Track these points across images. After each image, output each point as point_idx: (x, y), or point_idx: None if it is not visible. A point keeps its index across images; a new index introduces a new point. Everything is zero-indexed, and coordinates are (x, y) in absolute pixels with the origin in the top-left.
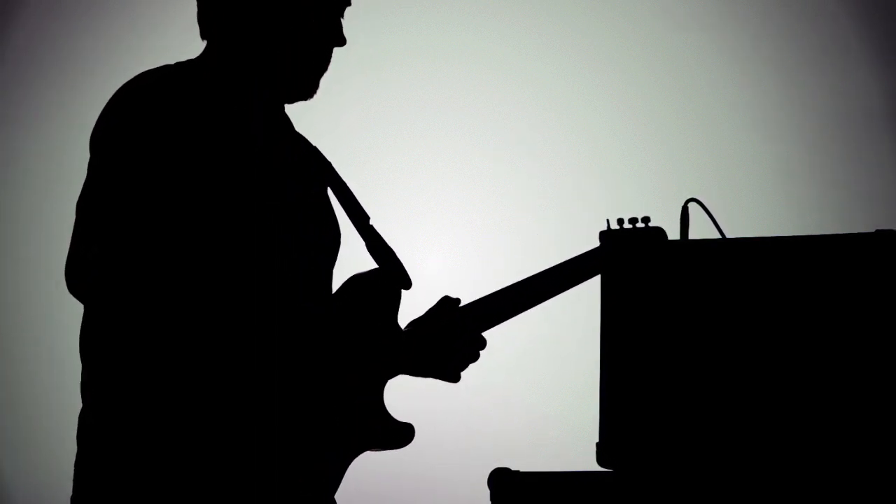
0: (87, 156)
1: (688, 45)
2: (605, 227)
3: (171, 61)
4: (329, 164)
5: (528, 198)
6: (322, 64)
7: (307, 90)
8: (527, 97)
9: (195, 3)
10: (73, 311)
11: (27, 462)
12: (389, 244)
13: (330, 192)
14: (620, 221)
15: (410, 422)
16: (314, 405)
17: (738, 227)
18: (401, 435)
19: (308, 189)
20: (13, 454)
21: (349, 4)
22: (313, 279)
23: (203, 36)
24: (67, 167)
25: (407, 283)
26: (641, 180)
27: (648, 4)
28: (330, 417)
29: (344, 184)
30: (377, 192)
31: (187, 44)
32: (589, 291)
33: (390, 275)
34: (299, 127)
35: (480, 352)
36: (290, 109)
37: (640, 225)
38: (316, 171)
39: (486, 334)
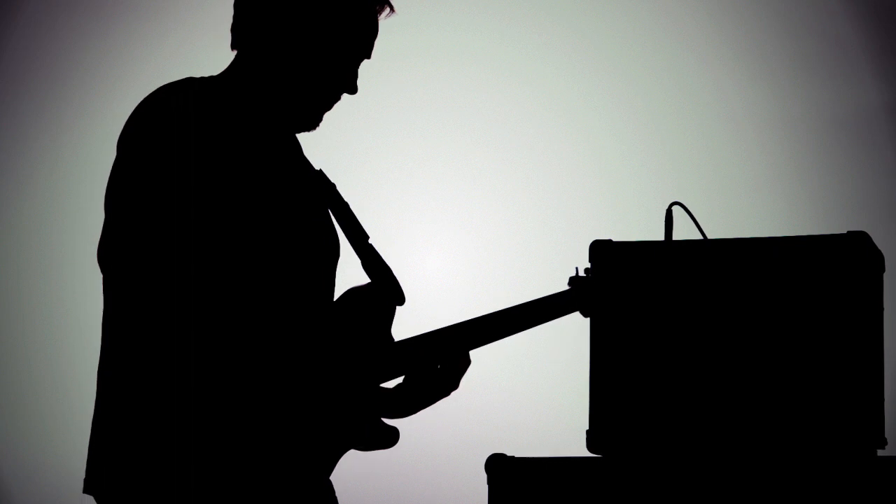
0: (84, 156)
1: (682, 49)
2: (573, 274)
3: (179, 62)
4: (333, 185)
5: (526, 198)
6: (330, 103)
7: (311, 123)
8: (526, 99)
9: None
10: (72, 309)
11: (26, 461)
12: (386, 262)
13: (332, 213)
14: (587, 271)
15: (409, 419)
16: (308, 404)
17: (724, 229)
18: (386, 437)
19: (311, 206)
20: (13, 453)
21: (368, 58)
22: (315, 286)
23: (234, 46)
24: (69, 167)
25: (401, 299)
26: (635, 182)
27: (644, 8)
28: (321, 416)
29: (346, 205)
30: (377, 192)
31: (188, 46)
32: None
33: (385, 290)
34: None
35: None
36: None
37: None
38: (319, 192)
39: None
